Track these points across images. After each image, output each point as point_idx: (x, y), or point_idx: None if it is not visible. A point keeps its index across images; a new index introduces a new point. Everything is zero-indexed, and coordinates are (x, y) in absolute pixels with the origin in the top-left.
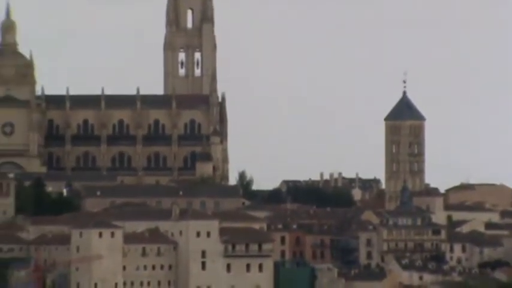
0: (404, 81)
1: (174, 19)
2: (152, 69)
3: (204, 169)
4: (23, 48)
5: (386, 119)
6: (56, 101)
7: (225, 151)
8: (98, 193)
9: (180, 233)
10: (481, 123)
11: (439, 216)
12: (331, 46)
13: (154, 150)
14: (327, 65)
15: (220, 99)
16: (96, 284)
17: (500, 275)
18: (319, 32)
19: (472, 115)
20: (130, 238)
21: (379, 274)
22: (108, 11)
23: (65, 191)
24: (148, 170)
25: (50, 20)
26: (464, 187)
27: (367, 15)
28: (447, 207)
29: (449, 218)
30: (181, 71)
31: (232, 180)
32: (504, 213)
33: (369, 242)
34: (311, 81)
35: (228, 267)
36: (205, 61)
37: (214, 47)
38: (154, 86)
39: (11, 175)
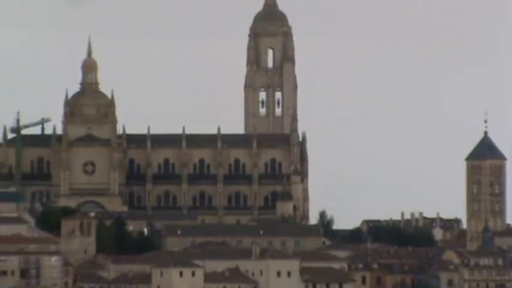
0: (486, 121)
1: (254, 58)
2: (233, 109)
3: (285, 208)
4: (104, 88)
5: (468, 158)
6: (136, 140)
7: (305, 190)
8: (179, 232)
9: (261, 272)
10: None
11: None
12: (411, 85)
13: (235, 189)
14: (408, 103)
15: (300, 139)
16: None
17: None
18: (401, 71)
19: None
20: (210, 277)
21: None
22: (189, 50)
23: (145, 230)
24: (229, 209)
25: (131, 59)
26: None
27: (448, 54)
28: None
29: None
30: (262, 110)
31: (313, 219)
32: None
33: (450, 282)
34: (392, 120)
35: None
36: (285, 100)
37: (295, 86)
38: (235, 125)
39: (92, 214)
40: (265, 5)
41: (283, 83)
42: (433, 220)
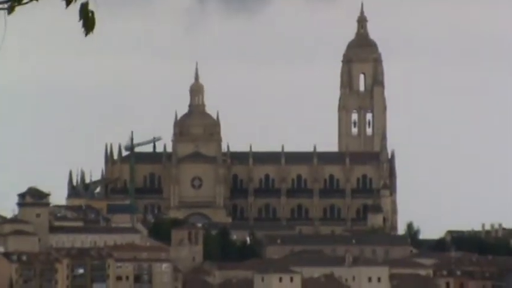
0: None
1: (347, 82)
2: (328, 128)
3: (375, 220)
4: (210, 109)
5: None
6: (240, 157)
7: (394, 203)
8: (278, 241)
9: (353, 278)
10: None
11: None
12: (496, 103)
13: (330, 202)
14: (491, 121)
15: (389, 156)
16: None
17: None
18: (485, 91)
19: None
20: (307, 283)
21: None
22: (288, 74)
23: (248, 239)
24: (324, 221)
25: (235, 83)
26: None
27: None
28: None
29: None
30: (354, 130)
31: (401, 230)
32: None
33: None
34: (475, 138)
35: None
36: (376, 121)
37: (384, 108)
38: (330, 144)
39: (200, 225)
40: (357, 33)
41: (373, 105)
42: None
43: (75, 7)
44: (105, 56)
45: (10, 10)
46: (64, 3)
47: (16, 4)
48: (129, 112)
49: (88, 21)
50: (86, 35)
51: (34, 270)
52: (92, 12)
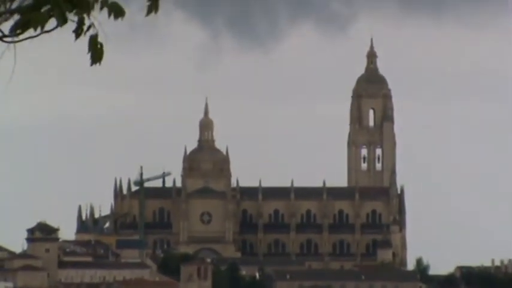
0: None
1: (357, 118)
2: (337, 164)
3: (385, 255)
4: (220, 144)
5: None
6: (249, 193)
7: (403, 239)
8: (288, 277)
9: None
10: None
11: None
12: (499, 142)
13: (339, 237)
14: (502, 158)
15: (399, 191)
16: None
17: None
18: (493, 129)
19: None
20: None
21: None
22: (296, 110)
23: (257, 275)
24: (333, 256)
25: (244, 119)
26: None
27: None
28: None
29: None
30: (364, 165)
31: (410, 265)
32: None
33: None
34: (482, 173)
35: None
36: (385, 156)
37: (394, 143)
38: (339, 179)
39: (209, 260)
40: (367, 69)
41: (383, 141)
42: None
43: (85, 40)
44: (115, 90)
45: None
46: (73, 35)
47: (26, 38)
48: (138, 147)
49: (96, 52)
50: (91, 64)
51: None
52: (101, 44)
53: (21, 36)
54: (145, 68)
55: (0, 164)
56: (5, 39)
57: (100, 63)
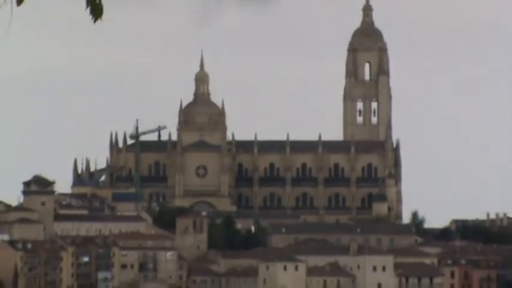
0: None
1: (353, 72)
2: (333, 117)
3: (380, 209)
4: (215, 98)
5: None
6: (245, 146)
7: (399, 192)
8: (283, 230)
9: (358, 267)
10: None
11: None
12: (499, 95)
13: (335, 191)
14: (497, 112)
15: (394, 145)
16: None
17: None
18: (485, 82)
19: None
20: (312, 271)
21: None
22: (293, 64)
23: (253, 228)
24: (329, 210)
25: (240, 72)
26: None
27: None
28: None
29: None
30: (359, 119)
31: (406, 219)
32: None
33: None
34: (481, 129)
35: None
36: (381, 110)
37: (390, 97)
38: (335, 133)
39: (204, 213)
40: (363, 22)
41: (378, 94)
42: None
43: None
44: (111, 45)
45: (19, 1)
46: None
47: None
48: (134, 101)
49: (96, 8)
50: (95, 21)
51: (39, 258)
52: (99, 0)
53: None
54: (141, 22)
55: None
56: None
57: (101, 18)
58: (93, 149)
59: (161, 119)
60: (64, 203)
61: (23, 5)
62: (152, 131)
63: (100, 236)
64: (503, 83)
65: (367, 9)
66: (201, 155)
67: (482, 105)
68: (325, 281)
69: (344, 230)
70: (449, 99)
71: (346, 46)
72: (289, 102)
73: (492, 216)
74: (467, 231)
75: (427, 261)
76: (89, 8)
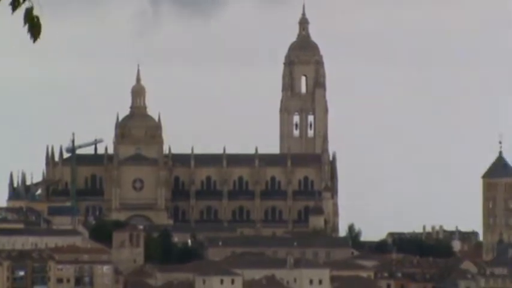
0: (500, 142)
1: (289, 85)
2: (269, 130)
3: (317, 222)
4: (152, 111)
5: (484, 176)
6: (181, 159)
7: (335, 205)
8: (220, 243)
9: (295, 280)
10: None
11: None
12: (435, 107)
13: (271, 204)
14: (430, 125)
15: (331, 158)
16: None
17: None
18: (422, 95)
19: None
20: (249, 285)
21: None
22: (229, 77)
23: (189, 242)
24: (265, 222)
25: (176, 85)
26: None
27: (465, 78)
28: None
29: None
30: (296, 132)
31: (342, 232)
32: None
33: None
34: (415, 142)
35: None
36: (317, 123)
37: (326, 110)
38: (271, 146)
39: (141, 227)
40: (299, 35)
41: (315, 107)
42: (452, 233)
43: (20, 11)
44: (47, 57)
45: None
46: (10, 8)
47: None
48: (70, 114)
49: (34, 27)
50: (34, 41)
51: None
52: (37, 18)
53: None
54: (77, 34)
55: None
56: None
57: (39, 37)
58: (29, 163)
59: (98, 132)
60: (0, 216)
61: None
62: (88, 145)
63: (36, 250)
64: (439, 93)
65: (304, 23)
66: (138, 168)
67: (419, 117)
68: None
69: (281, 243)
70: (386, 112)
71: (282, 59)
72: (225, 116)
73: (428, 229)
74: (403, 244)
75: (364, 274)
76: (26, 26)
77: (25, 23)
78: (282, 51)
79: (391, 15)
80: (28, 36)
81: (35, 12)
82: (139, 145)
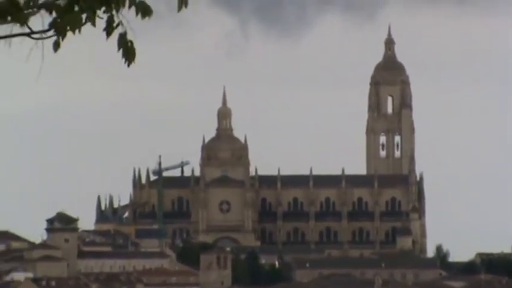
0: None
1: (375, 105)
2: (356, 151)
3: (404, 243)
4: (238, 133)
5: None
6: (268, 181)
7: (423, 226)
8: (307, 265)
9: None
10: None
11: None
12: None
13: (359, 225)
14: None
15: (418, 179)
16: None
17: None
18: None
19: None
20: None
21: None
22: (316, 98)
23: (277, 263)
24: (353, 244)
25: (262, 107)
26: None
27: None
28: None
29: None
30: (383, 153)
31: (430, 253)
32: None
33: None
34: (501, 160)
35: None
36: (404, 143)
37: (413, 130)
38: (358, 167)
39: (228, 249)
40: (385, 56)
41: (401, 128)
42: None
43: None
44: (134, 80)
45: (56, 47)
46: (104, 34)
47: (60, 38)
48: (157, 136)
49: (128, 51)
50: (129, 65)
51: None
52: (131, 42)
53: (49, 33)
54: (163, 57)
55: (19, 153)
56: (33, 35)
57: (134, 61)
58: (116, 186)
59: (184, 154)
60: (87, 239)
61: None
62: (175, 167)
63: (124, 273)
64: None
65: (389, 43)
66: (224, 190)
67: (508, 138)
68: None
69: (368, 265)
70: (472, 133)
71: (368, 80)
72: (312, 137)
73: None
74: (492, 264)
75: None
76: (121, 51)
77: (119, 48)
78: (367, 72)
79: (478, 35)
80: (121, 60)
81: (129, 37)
82: (225, 167)
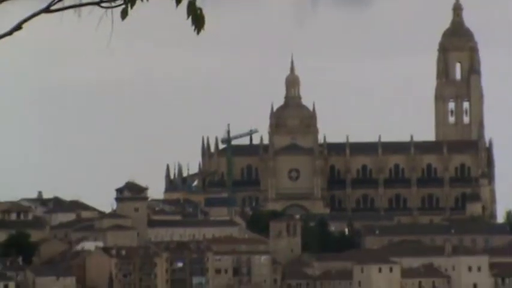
0: None
1: (444, 72)
2: (424, 118)
3: (474, 209)
4: (306, 101)
5: None
6: (337, 148)
7: (492, 192)
8: (377, 232)
9: (453, 267)
10: None
11: None
12: None
13: (428, 192)
14: None
15: (487, 144)
16: None
17: None
18: None
19: None
20: (407, 273)
21: None
22: (384, 65)
23: (346, 230)
24: (422, 210)
25: (330, 74)
26: None
27: None
28: None
29: None
30: (451, 119)
31: (500, 218)
32: None
33: None
34: None
35: None
36: (473, 109)
37: (481, 96)
38: (427, 133)
39: (298, 216)
40: (453, 22)
41: (470, 94)
42: None
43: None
44: (201, 50)
45: (124, 15)
46: (174, 2)
47: (127, 6)
48: (225, 105)
49: (197, 19)
50: (198, 33)
51: (133, 264)
52: (200, 10)
53: (118, 2)
54: (230, 27)
55: (89, 123)
56: (102, 4)
57: (204, 29)
58: (185, 155)
59: (252, 123)
60: (157, 208)
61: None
62: (244, 135)
63: (193, 241)
64: None
65: (457, 9)
66: (293, 158)
67: None
68: (420, 283)
69: (438, 231)
70: None
71: (436, 46)
72: (380, 104)
73: None
74: None
75: None
76: (190, 18)
77: (188, 16)
78: (435, 38)
79: None
80: (191, 28)
81: (198, 4)
82: (294, 135)
